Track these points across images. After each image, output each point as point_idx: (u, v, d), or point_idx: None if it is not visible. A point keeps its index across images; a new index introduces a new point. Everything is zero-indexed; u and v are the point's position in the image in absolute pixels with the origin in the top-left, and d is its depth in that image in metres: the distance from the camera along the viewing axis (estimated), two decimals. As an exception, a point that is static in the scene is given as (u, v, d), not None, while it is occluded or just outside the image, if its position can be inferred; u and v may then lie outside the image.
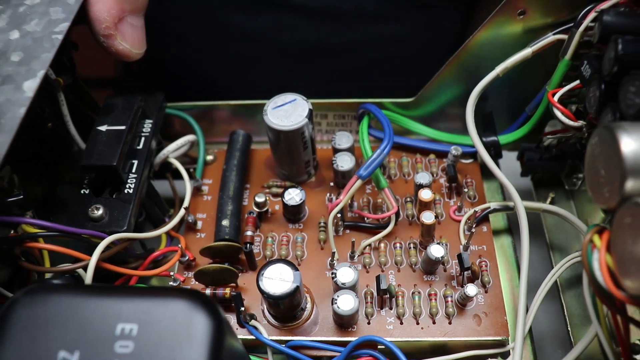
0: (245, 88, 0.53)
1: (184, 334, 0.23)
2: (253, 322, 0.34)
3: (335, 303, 0.32)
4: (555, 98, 0.34)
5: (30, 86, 0.28)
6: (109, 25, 0.32)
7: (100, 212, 0.34)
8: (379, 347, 0.32)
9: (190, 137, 0.42)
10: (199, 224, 0.40)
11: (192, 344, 0.22)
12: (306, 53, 0.51)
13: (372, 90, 0.43)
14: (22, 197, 0.32)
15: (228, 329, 0.25)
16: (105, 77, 0.74)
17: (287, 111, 0.37)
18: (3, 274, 0.34)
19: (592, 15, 0.32)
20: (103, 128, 0.36)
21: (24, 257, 0.33)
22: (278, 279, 0.32)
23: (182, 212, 0.38)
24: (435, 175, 0.41)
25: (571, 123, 0.34)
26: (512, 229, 0.40)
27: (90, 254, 0.32)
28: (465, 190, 0.40)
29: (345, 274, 0.33)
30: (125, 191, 0.35)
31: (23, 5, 0.32)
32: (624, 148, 0.23)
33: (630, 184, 0.23)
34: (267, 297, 0.31)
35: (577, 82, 0.34)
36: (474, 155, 0.42)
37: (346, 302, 0.32)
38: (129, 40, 0.34)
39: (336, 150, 0.40)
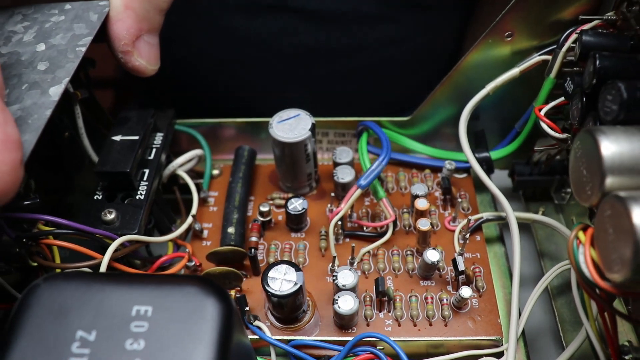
0: (244, 89, 0.54)
1: (196, 315, 0.24)
2: (257, 322, 0.35)
3: (336, 303, 0.33)
4: (542, 113, 0.37)
5: (55, 91, 0.30)
6: (127, 42, 0.34)
7: (113, 215, 0.35)
8: (378, 347, 0.33)
9: (198, 151, 0.44)
10: (205, 233, 0.41)
11: (203, 324, 0.24)
12: (305, 55, 0.53)
13: (370, 92, 0.44)
14: (37, 200, 0.34)
15: (237, 317, 0.26)
16: (106, 77, 0.74)
17: (292, 125, 0.39)
18: (13, 277, 0.36)
19: (573, 37, 0.35)
20: (117, 138, 0.38)
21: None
22: (282, 279, 0.33)
23: (189, 219, 0.40)
24: (430, 188, 0.43)
25: (557, 135, 0.36)
26: (504, 239, 0.41)
27: (102, 255, 0.33)
28: (459, 201, 0.42)
29: (346, 276, 0.34)
30: (137, 197, 0.37)
31: (49, 22, 0.34)
32: (603, 149, 0.25)
33: (609, 181, 0.25)
34: (272, 296, 0.33)
35: (562, 99, 0.37)
36: (467, 170, 0.44)
37: (346, 302, 0.33)
38: (145, 57, 0.36)
39: (337, 164, 0.42)
